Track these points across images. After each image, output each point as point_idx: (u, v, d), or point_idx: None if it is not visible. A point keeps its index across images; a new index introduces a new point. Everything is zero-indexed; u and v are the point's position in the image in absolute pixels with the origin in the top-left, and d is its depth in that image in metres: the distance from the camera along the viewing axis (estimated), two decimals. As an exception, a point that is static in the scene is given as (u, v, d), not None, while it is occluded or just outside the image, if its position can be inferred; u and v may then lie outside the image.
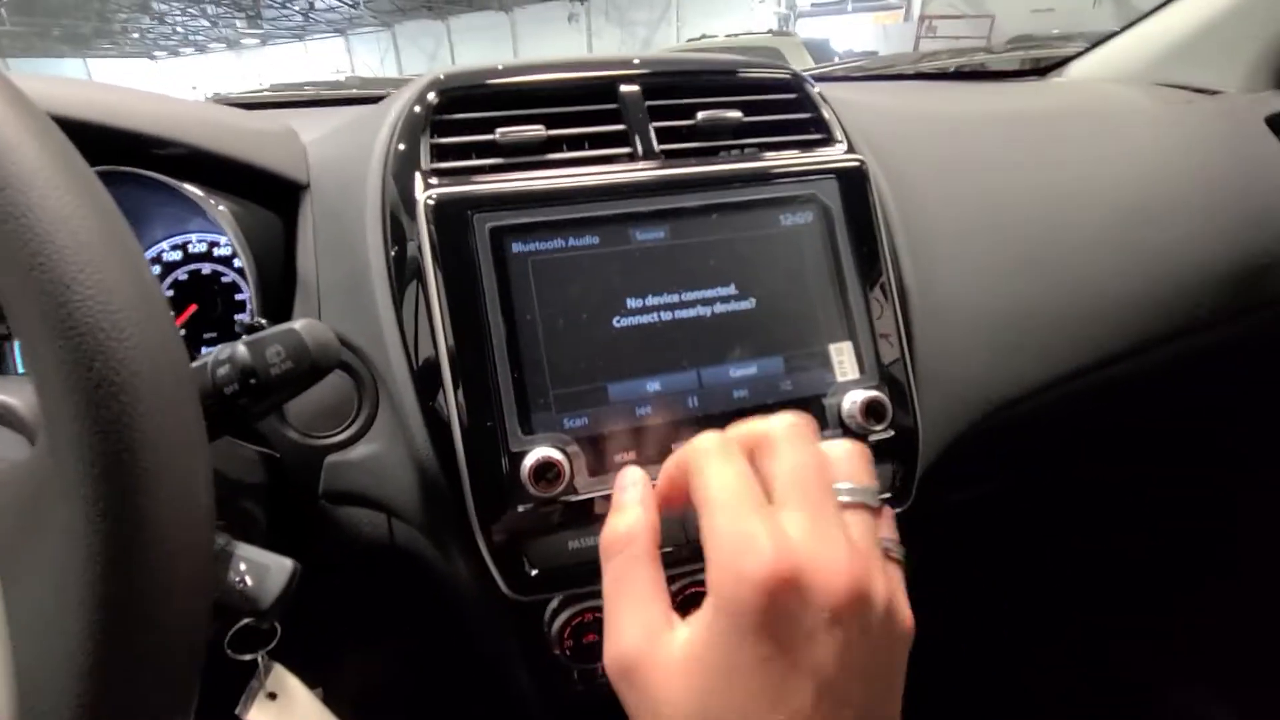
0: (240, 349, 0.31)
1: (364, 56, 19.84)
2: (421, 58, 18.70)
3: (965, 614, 1.00)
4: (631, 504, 0.29)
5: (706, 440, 0.27)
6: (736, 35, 7.77)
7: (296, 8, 16.53)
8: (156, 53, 22.52)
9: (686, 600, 0.40)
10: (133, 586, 0.18)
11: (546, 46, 16.49)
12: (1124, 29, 0.92)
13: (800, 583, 0.23)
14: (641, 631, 0.25)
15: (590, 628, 0.44)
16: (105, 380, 0.18)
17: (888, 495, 0.46)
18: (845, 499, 0.26)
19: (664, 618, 0.25)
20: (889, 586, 0.25)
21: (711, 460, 0.26)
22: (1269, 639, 0.89)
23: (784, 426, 0.27)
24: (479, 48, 17.56)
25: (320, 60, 20.47)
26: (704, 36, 8.72)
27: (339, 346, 0.33)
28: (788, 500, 0.25)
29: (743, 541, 0.23)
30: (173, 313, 0.51)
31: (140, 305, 0.20)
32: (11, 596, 0.19)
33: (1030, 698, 0.98)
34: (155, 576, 0.19)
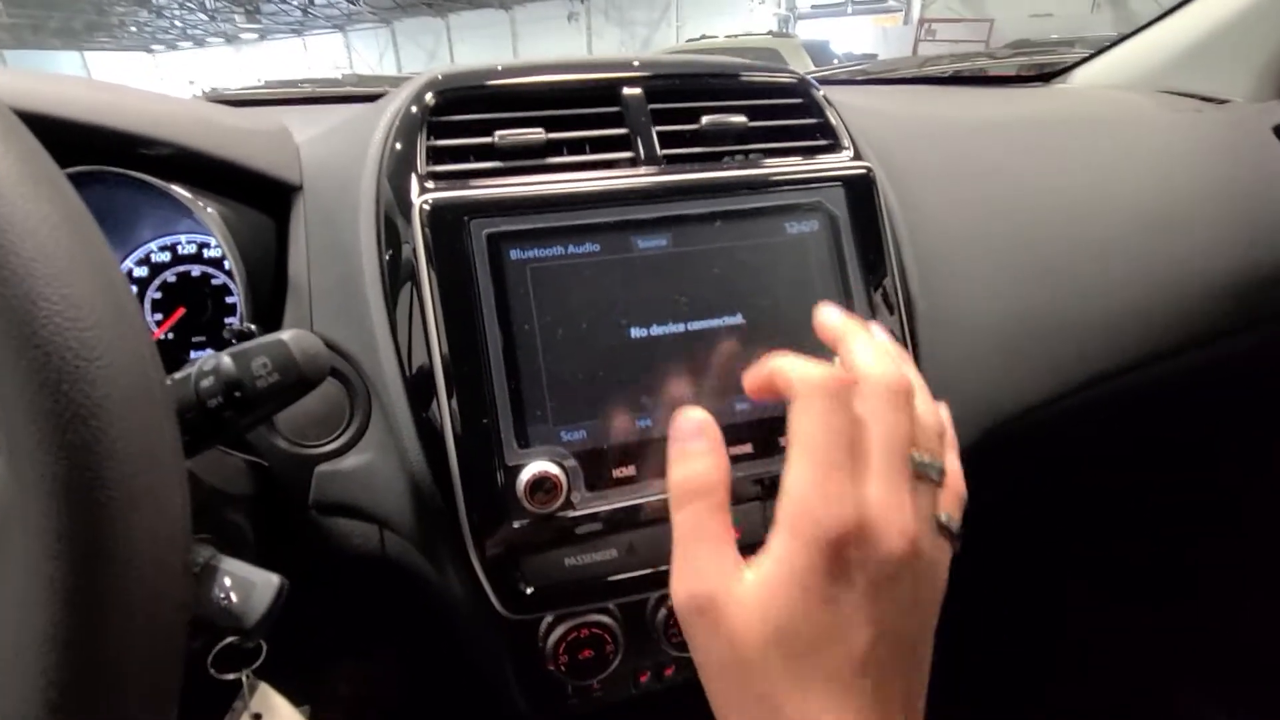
0: (225, 360, 0.29)
1: (363, 53, 19.78)
2: (421, 55, 18.64)
3: (968, 618, 0.99)
4: (705, 452, 0.29)
5: (821, 378, 0.28)
6: (736, 36, 7.78)
7: (295, 3, 16.46)
8: (154, 46, 22.41)
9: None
10: (98, 625, 0.17)
11: (546, 45, 16.45)
12: (1128, 35, 0.91)
13: (867, 540, 0.25)
14: (717, 574, 0.27)
15: (585, 644, 0.43)
16: (73, 403, 0.17)
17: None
18: (915, 469, 0.28)
19: (736, 562, 0.27)
20: (935, 554, 0.28)
21: (819, 403, 0.27)
22: (1272, 645, 0.88)
23: (888, 386, 0.28)
24: (478, 45, 17.50)
25: (319, 56, 20.39)
26: (704, 37, 8.72)
27: (328, 358, 0.32)
28: (872, 460, 0.27)
29: (826, 497, 0.26)
30: (150, 326, 0.49)
31: (113, 322, 0.19)
32: (-31, 633, 0.18)
33: (1033, 701, 0.97)
34: (122, 613, 0.18)
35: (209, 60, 22.20)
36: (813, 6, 13.15)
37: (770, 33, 9.06)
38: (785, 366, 0.29)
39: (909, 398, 0.29)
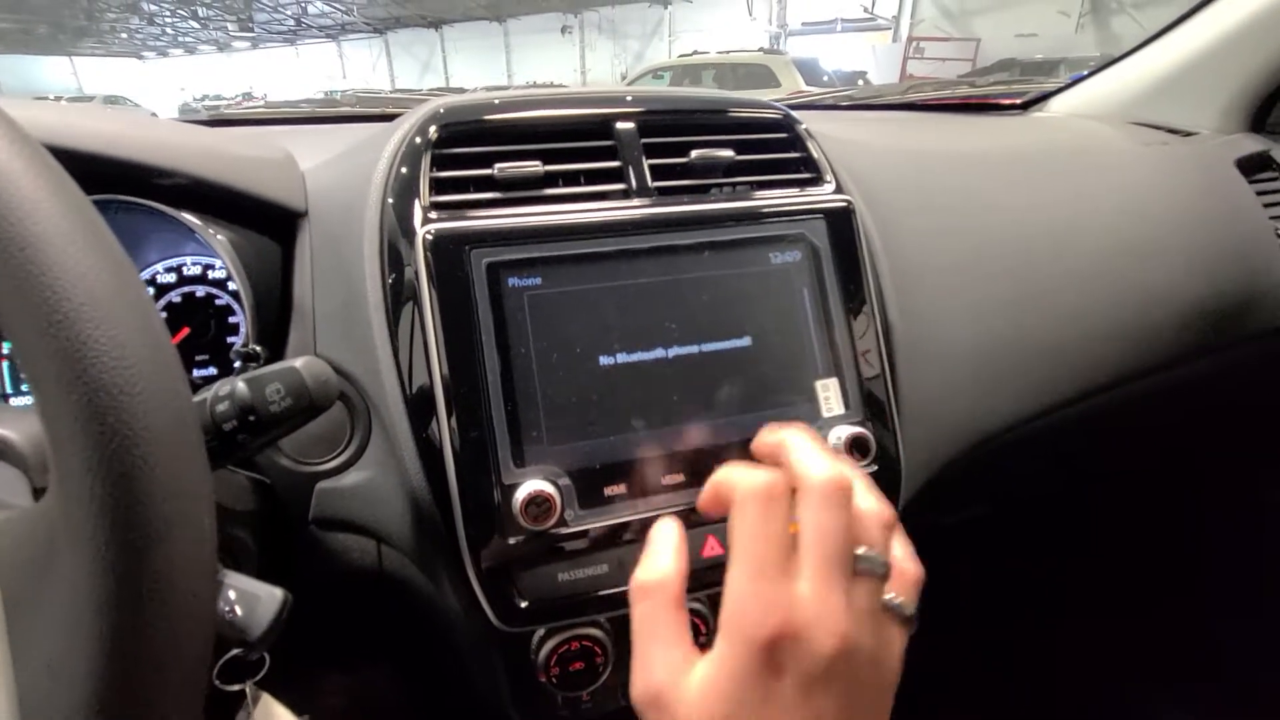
0: (240, 386, 0.31)
1: (356, 62, 19.82)
2: (415, 66, 18.71)
3: (949, 631, 1.01)
4: (665, 551, 0.31)
5: (756, 483, 0.29)
6: (728, 53, 7.88)
7: (289, 13, 16.51)
8: (145, 53, 22.36)
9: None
10: (141, 639, 0.19)
11: (539, 57, 16.57)
12: (1104, 66, 0.95)
13: (798, 640, 0.27)
14: (667, 670, 0.29)
15: (576, 656, 0.45)
16: (118, 434, 0.19)
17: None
18: (857, 566, 0.29)
19: (685, 658, 0.29)
20: (879, 643, 0.29)
21: (753, 508, 0.29)
22: (1243, 653, 0.91)
23: (824, 483, 0.30)
24: (472, 57, 17.61)
25: (311, 65, 20.41)
26: (695, 52, 8.82)
27: (338, 384, 0.34)
28: (806, 558, 0.28)
29: (757, 601, 0.27)
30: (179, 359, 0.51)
31: (151, 358, 0.20)
32: (17, 645, 0.20)
33: (1015, 711, 0.99)
34: (163, 628, 0.19)
35: (200, 67, 22.15)
36: (803, 24, 13.34)
37: (761, 50, 9.19)
38: (726, 475, 0.31)
39: (847, 496, 0.30)
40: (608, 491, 0.41)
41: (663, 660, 0.29)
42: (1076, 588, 1.03)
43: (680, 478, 0.43)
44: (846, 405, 0.46)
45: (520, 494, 0.39)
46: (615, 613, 0.44)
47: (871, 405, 0.47)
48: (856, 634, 0.28)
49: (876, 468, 0.46)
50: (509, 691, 0.49)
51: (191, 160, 0.44)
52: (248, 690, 0.39)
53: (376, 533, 0.46)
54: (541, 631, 0.45)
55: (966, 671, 1.01)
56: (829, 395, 0.46)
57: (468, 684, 0.56)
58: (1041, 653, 1.03)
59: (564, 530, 0.41)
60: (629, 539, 0.42)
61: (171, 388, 0.21)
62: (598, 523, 0.41)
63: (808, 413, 0.45)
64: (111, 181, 0.42)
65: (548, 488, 0.40)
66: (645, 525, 0.42)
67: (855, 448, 0.44)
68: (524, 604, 0.41)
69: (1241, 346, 0.68)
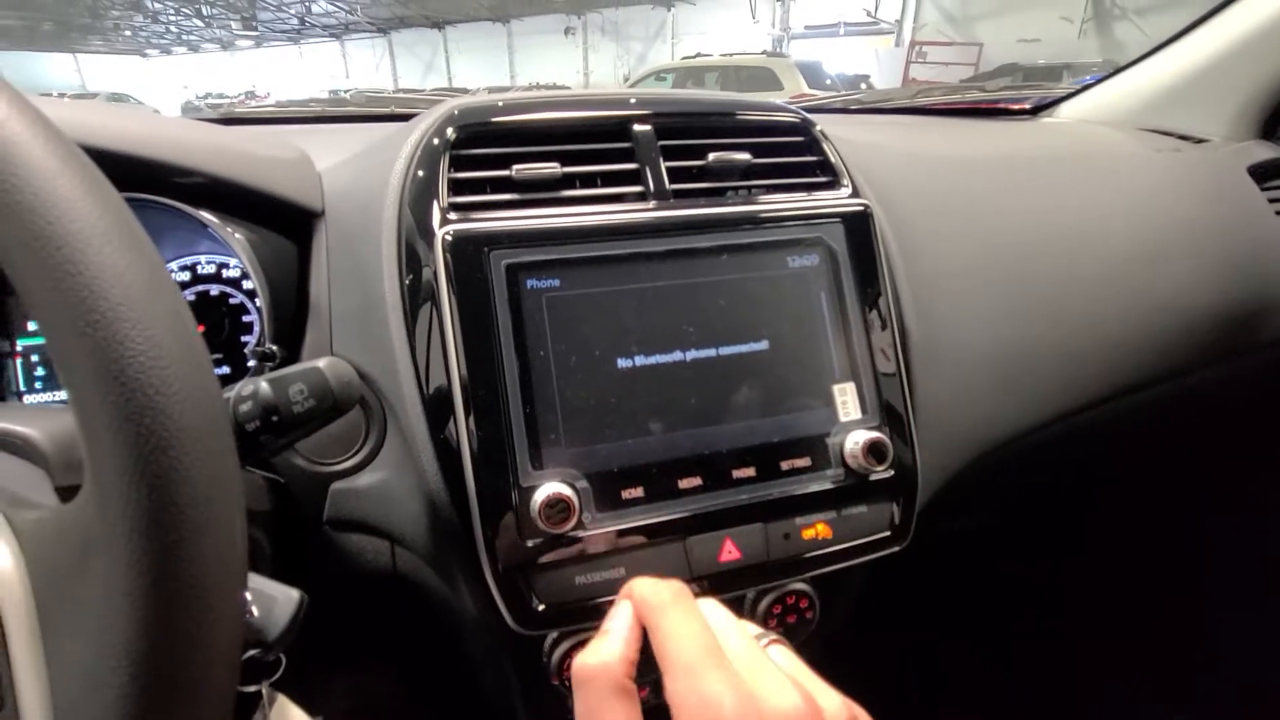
0: (263, 386, 0.31)
1: (359, 62, 19.83)
2: (418, 66, 18.74)
3: (955, 633, 1.01)
4: (614, 635, 0.29)
5: (660, 592, 0.29)
6: (731, 55, 7.89)
7: (292, 12, 16.53)
8: (148, 51, 22.39)
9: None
10: (174, 640, 0.19)
11: (542, 59, 16.59)
12: (1113, 72, 0.94)
13: None
14: None
15: (590, 659, 0.45)
16: (154, 435, 0.19)
17: (886, 534, 0.47)
18: (762, 641, 0.30)
19: None
20: (839, 698, 0.28)
21: (668, 615, 0.28)
22: (1250, 658, 0.91)
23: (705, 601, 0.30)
24: (475, 58, 17.63)
25: (315, 64, 20.43)
26: (699, 55, 8.84)
27: (360, 385, 0.34)
28: (730, 647, 0.27)
29: (707, 707, 0.24)
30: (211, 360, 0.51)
31: (186, 359, 0.20)
32: (50, 647, 0.20)
33: (1016, 712, 0.99)
34: (196, 628, 0.19)
35: (203, 65, 22.18)
36: (806, 27, 13.35)
37: (764, 52, 9.20)
38: (632, 590, 0.30)
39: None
40: (625, 495, 0.41)
41: None
42: (1081, 591, 1.03)
43: (698, 481, 0.43)
44: (864, 410, 0.46)
45: (539, 496, 0.39)
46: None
47: (888, 410, 0.47)
48: (809, 702, 0.26)
49: (893, 473, 0.46)
50: (520, 694, 0.49)
51: (210, 159, 0.44)
52: (264, 691, 0.38)
53: (391, 534, 0.45)
54: (555, 635, 0.44)
55: (968, 672, 1.01)
56: (846, 399, 0.46)
57: (477, 686, 0.56)
58: (1044, 654, 1.03)
59: (582, 533, 0.40)
60: (646, 542, 0.42)
61: (205, 388, 0.21)
62: (615, 526, 0.41)
63: (825, 417, 0.45)
64: (130, 179, 0.42)
65: (566, 490, 0.39)
66: (663, 529, 0.42)
67: (872, 453, 0.44)
68: (541, 607, 0.41)
69: (1256, 353, 0.68)
